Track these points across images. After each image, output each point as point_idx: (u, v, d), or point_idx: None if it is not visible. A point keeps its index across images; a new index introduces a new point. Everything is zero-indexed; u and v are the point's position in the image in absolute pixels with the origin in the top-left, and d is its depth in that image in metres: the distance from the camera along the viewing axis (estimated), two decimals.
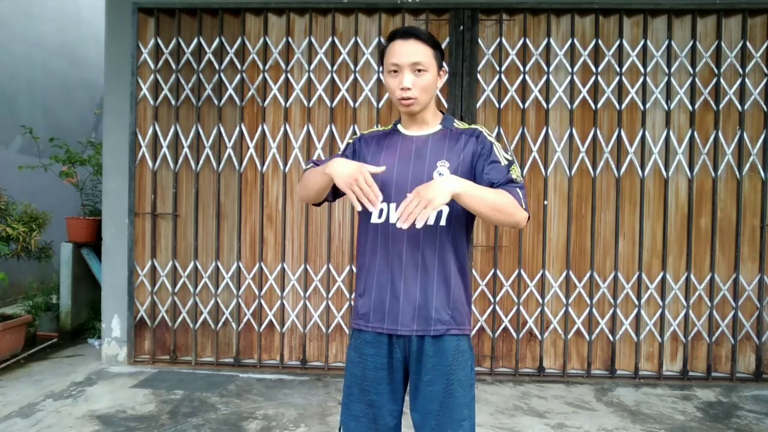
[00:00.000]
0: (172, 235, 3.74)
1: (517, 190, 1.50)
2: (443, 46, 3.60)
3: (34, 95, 5.79)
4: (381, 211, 1.55)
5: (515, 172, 1.54)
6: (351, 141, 1.70)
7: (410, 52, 1.50)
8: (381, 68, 1.61)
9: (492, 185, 1.49)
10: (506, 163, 1.54)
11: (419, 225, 1.34)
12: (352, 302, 3.65)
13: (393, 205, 1.53)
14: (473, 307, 3.66)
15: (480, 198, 1.40)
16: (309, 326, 3.73)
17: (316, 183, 1.55)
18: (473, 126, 1.63)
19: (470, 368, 1.57)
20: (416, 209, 1.33)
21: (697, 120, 3.62)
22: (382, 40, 3.63)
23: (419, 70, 1.51)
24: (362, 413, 1.57)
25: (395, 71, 1.52)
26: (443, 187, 1.36)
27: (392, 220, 1.52)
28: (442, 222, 1.54)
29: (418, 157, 1.56)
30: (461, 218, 1.56)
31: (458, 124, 1.63)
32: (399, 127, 1.66)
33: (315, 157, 1.60)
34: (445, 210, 1.53)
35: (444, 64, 1.62)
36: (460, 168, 1.53)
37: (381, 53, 1.60)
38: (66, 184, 4.60)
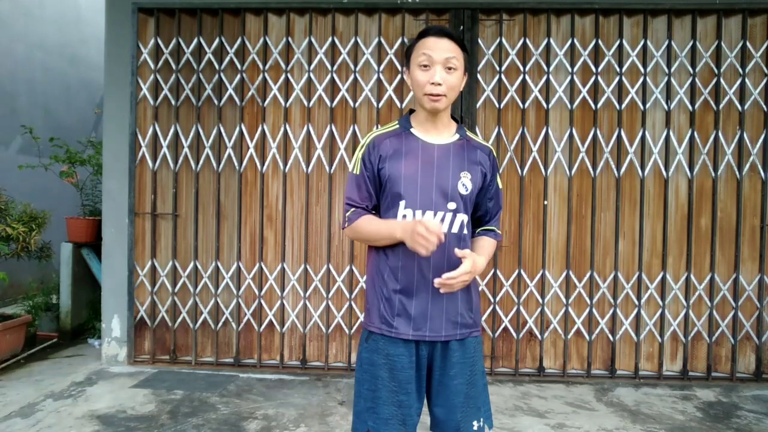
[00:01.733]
0: (172, 235, 3.74)
1: (499, 222, 1.75)
2: None
3: (34, 95, 5.79)
4: (404, 217, 1.57)
5: (502, 199, 1.76)
6: (365, 149, 1.65)
7: (444, 48, 1.52)
8: (408, 63, 1.61)
9: (487, 213, 1.70)
10: (500, 187, 1.73)
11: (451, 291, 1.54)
12: (353, 303, 3.66)
13: (419, 212, 1.56)
14: None
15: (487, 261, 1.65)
16: (309, 326, 3.73)
17: (381, 236, 1.58)
18: (485, 143, 1.70)
19: (482, 357, 1.69)
20: (459, 285, 1.50)
21: (697, 120, 3.62)
22: (382, 40, 3.64)
23: (450, 68, 1.53)
24: (391, 415, 1.55)
25: (426, 66, 1.53)
26: (479, 271, 1.55)
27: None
28: (465, 230, 1.62)
29: (441, 166, 1.58)
30: (471, 226, 1.68)
31: (471, 135, 1.69)
32: (414, 131, 1.64)
33: (348, 194, 1.69)
34: (465, 220, 1.61)
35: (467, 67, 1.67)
36: (477, 181, 1.62)
37: (408, 50, 1.61)
38: (66, 184, 4.60)
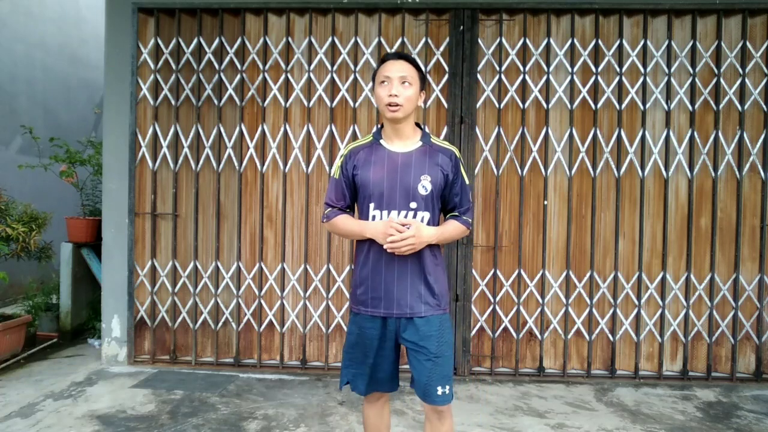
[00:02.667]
0: (172, 235, 3.74)
1: (470, 212, 2.02)
2: (443, 46, 3.62)
3: (34, 95, 5.79)
4: (374, 217, 1.90)
5: (471, 193, 2.02)
6: (343, 158, 1.99)
7: (399, 68, 1.87)
8: (373, 87, 1.96)
9: (455, 207, 1.98)
10: (468, 183, 2.00)
11: (399, 253, 1.82)
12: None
13: (384, 212, 1.88)
14: (473, 308, 3.66)
15: (446, 239, 1.93)
16: (309, 326, 3.73)
17: (354, 234, 1.93)
18: (448, 146, 1.98)
19: (451, 331, 1.98)
20: (405, 246, 1.79)
21: (697, 120, 3.62)
22: (382, 40, 3.64)
23: (405, 83, 1.86)
24: (362, 372, 1.96)
25: (384, 82, 1.87)
26: (428, 239, 1.83)
27: None
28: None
29: (404, 171, 1.89)
30: (435, 224, 1.95)
31: (435, 140, 1.98)
32: (382, 142, 1.96)
33: (328, 195, 2.04)
34: (426, 217, 1.90)
35: (425, 86, 1.99)
36: (437, 181, 1.90)
37: (374, 73, 1.95)
38: (66, 184, 4.60)
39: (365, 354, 1.95)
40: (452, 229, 1.95)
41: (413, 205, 1.86)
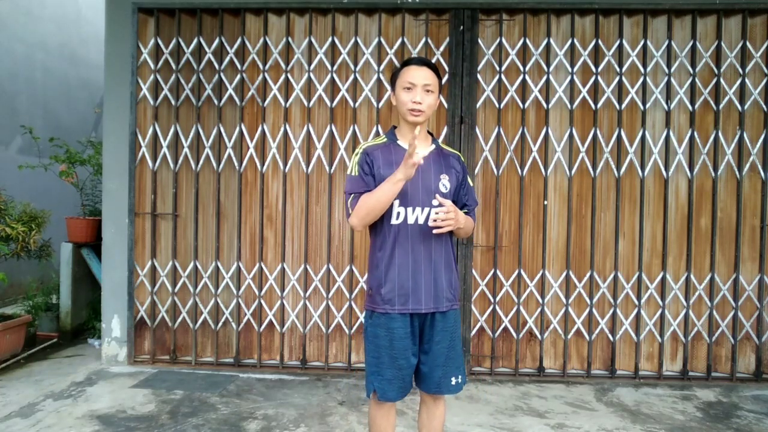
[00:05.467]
0: (172, 235, 3.74)
1: (475, 211, 2.14)
2: (443, 46, 3.62)
3: (34, 95, 5.79)
4: (398, 214, 1.96)
5: (475, 195, 2.17)
6: (360, 156, 2.00)
7: (424, 75, 1.95)
8: (393, 87, 2.03)
9: (465, 205, 2.08)
10: (471, 185, 2.12)
11: (438, 231, 1.88)
12: (353, 303, 3.66)
13: (409, 209, 1.95)
14: (473, 308, 3.66)
15: (465, 227, 1.99)
16: (309, 326, 3.73)
17: (386, 193, 1.87)
18: (454, 150, 2.12)
19: (460, 326, 2.12)
20: (446, 223, 1.86)
21: (697, 120, 3.62)
22: (382, 40, 3.64)
23: (428, 90, 1.95)
24: (393, 376, 1.96)
25: (409, 88, 1.95)
26: (461, 220, 1.91)
27: (410, 222, 1.95)
28: None
29: (425, 170, 1.96)
30: None
31: (443, 145, 2.10)
32: (400, 143, 2.03)
33: (350, 188, 2.01)
34: None
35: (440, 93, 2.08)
36: (453, 182, 2.02)
37: (393, 75, 2.03)
38: (66, 183, 4.60)
39: (393, 357, 1.94)
40: (470, 222, 2.06)
41: (435, 202, 1.93)
